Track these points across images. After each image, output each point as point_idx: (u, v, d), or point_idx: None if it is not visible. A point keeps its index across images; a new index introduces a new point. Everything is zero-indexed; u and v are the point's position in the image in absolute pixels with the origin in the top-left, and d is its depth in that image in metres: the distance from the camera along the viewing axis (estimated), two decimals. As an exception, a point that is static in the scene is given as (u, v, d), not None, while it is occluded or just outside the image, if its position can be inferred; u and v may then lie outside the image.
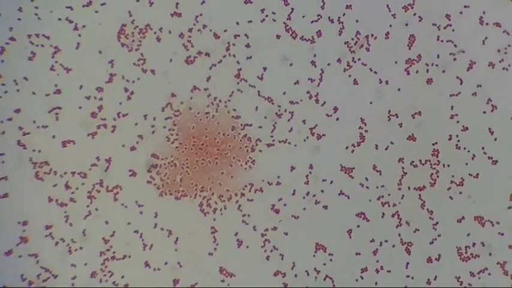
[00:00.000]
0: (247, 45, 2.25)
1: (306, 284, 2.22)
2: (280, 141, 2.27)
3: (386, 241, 2.25)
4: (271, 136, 2.26)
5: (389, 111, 2.28)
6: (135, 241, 2.20)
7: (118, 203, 2.21)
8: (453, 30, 2.30)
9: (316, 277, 2.23)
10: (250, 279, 2.20)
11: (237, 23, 2.25)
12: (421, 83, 2.29)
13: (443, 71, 2.30)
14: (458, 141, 2.28)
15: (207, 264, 2.21)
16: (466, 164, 2.27)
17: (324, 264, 2.24)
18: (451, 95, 2.30)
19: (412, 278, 2.24)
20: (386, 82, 2.28)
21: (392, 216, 2.27)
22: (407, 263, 2.25)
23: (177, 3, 2.23)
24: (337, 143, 2.26)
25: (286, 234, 2.23)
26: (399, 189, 2.28)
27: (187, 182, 2.22)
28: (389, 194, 2.27)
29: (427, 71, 2.29)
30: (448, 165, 2.27)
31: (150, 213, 2.23)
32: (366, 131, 2.28)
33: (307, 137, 2.26)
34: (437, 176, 2.27)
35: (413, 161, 2.27)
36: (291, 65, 2.26)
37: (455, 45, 2.31)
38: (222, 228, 2.23)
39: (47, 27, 2.19)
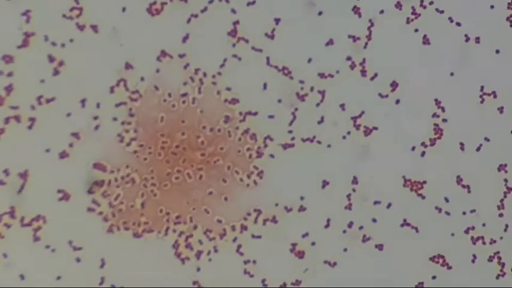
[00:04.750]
0: (249, -18, 2.09)
1: None
2: (304, 140, 1.99)
3: (480, 299, 2.09)
4: (290, 131, 1.98)
5: (482, 87, 1.97)
6: (69, 310, 1.97)
7: (40, 244, 1.89)
8: None
9: None
10: None
11: None
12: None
13: None
14: None
15: None
16: None
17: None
18: None
19: None
20: (477, 40, 1.93)
21: (490, 260, 2.00)
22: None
23: None
24: (397, 141, 1.98)
25: (316, 293, 1.99)
26: (500, 215, 2.00)
27: (153, 209, 1.94)
28: (483, 224, 2.00)
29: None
30: None
31: (93, 261, 1.91)
32: (444, 119, 1.99)
33: (349, 132, 1.99)
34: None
35: (522, 169, 2.06)
36: (320, 13, 1.97)
37: None
38: (211, 283, 1.94)
39: None
